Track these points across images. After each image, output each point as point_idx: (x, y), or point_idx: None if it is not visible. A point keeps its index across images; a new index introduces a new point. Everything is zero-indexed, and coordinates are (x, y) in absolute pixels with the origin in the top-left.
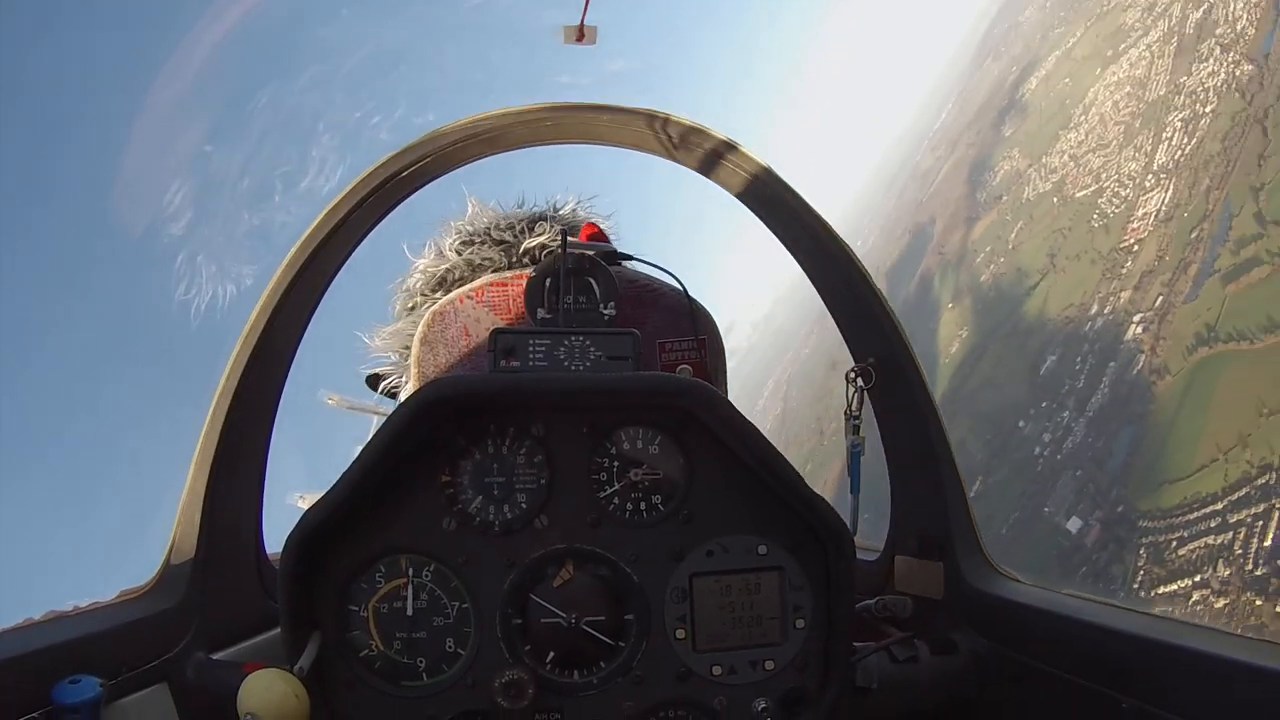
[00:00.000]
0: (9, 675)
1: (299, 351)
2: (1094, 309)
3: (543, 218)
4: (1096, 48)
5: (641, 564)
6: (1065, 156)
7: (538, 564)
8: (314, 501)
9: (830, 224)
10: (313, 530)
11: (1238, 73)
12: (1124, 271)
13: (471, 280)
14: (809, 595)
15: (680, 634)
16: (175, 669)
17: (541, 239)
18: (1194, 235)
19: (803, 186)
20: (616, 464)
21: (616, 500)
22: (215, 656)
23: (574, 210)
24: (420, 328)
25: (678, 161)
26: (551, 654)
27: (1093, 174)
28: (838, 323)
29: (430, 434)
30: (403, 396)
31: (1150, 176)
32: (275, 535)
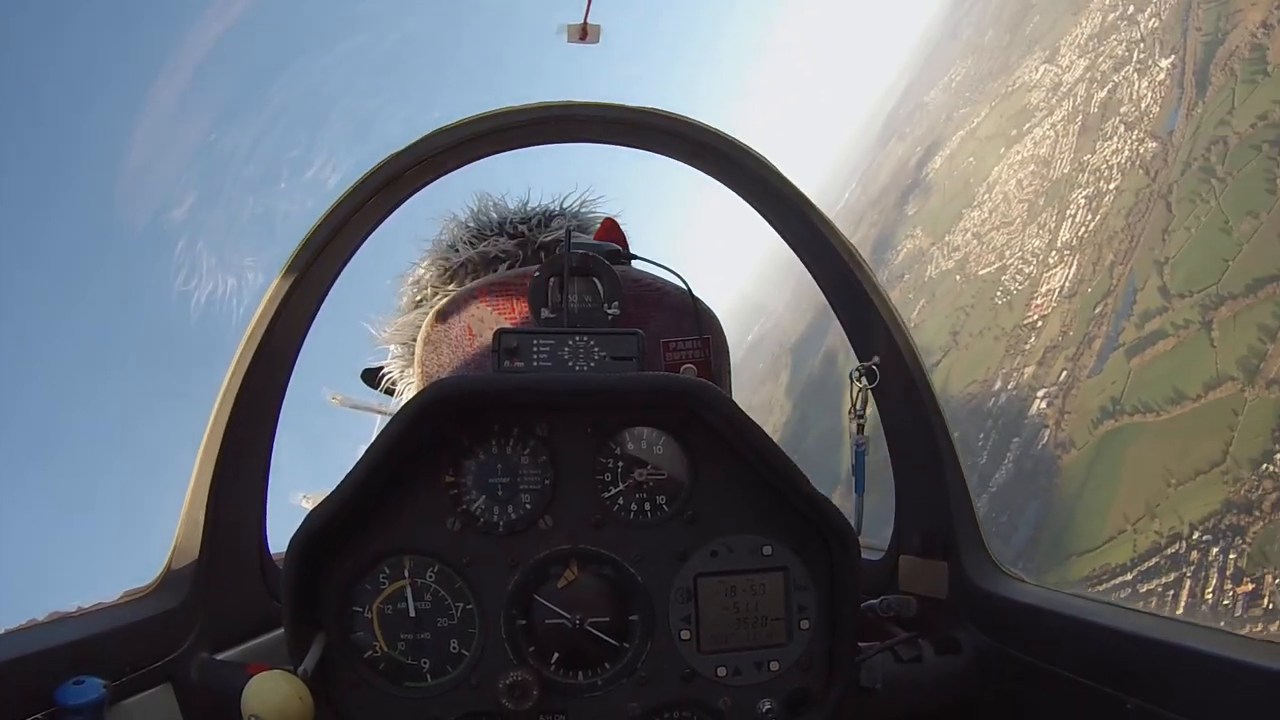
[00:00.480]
0: (12, 676)
1: (302, 350)
2: (997, 385)
3: (559, 213)
4: (1001, 127)
5: (646, 564)
6: (968, 235)
7: (542, 565)
8: (318, 501)
9: (835, 224)
10: (317, 531)
11: (1142, 150)
12: (1027, 348)
13: (485, 273)
14: (814, 596)
15: (685, 635)
16: (179, 670)
17: (558, 234)
18: (1098, 310)
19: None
20: (621, 464)
21: (621, 501)
22: (219, 657)
23: (580, 207)
24: (424, 328)
25: (681, 160)
26: (556, 655)
27: (996, 252)
28: (841, 322)
29: (434, 434)
30: (407, 396)
31: (1054, 253)
32: (278, 535)
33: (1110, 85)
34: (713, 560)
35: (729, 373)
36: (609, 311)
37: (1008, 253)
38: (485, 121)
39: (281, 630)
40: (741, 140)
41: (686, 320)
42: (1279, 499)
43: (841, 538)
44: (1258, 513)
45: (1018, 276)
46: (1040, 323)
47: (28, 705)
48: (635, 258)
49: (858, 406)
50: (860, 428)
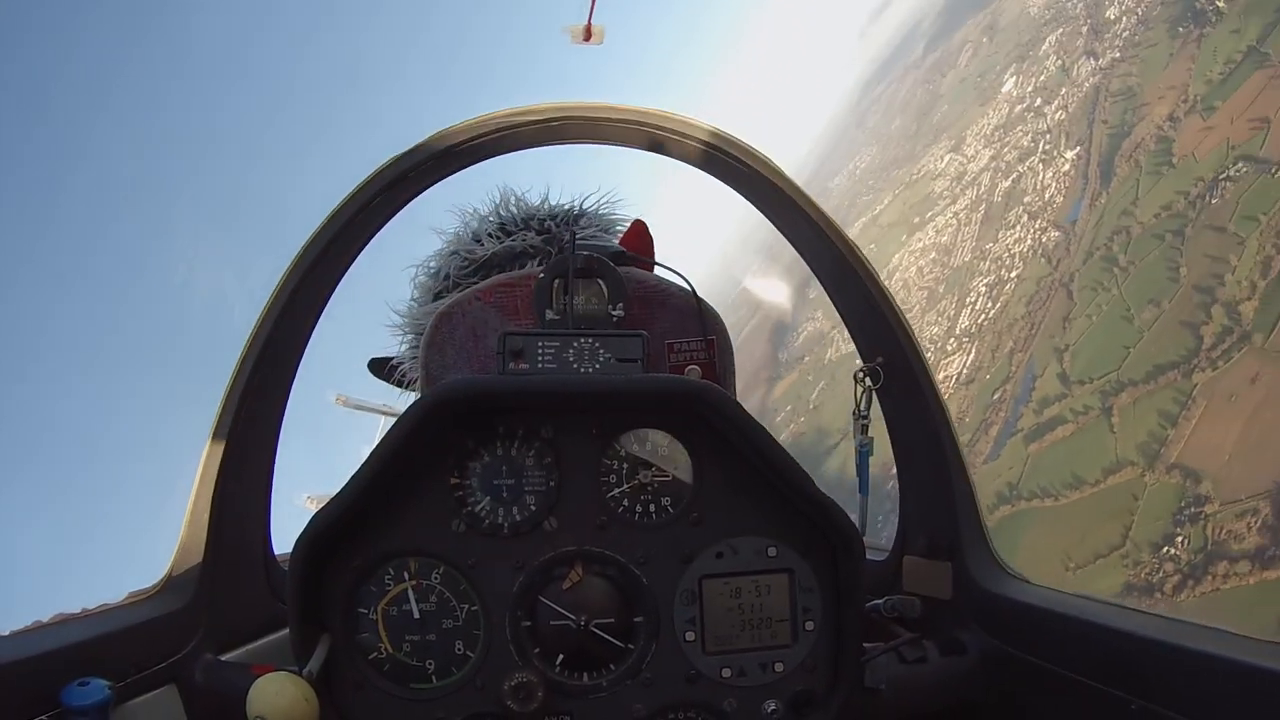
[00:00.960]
0: (18, 677)
1: (307, 350)
2: (894, 469)
3: (583, 213)
4: (903, 215)
5: (651, 566)
6: None
7: (547, 566)
8: (323, 503)
9: (839, 226)
10: (322, 532)
11: (1044, 239)
12: None
13: (511, 268)
14: (818, 597)
15: (689, 636)
16: (184, 671)
17: (586, 231)
18: (996, 396)
19: None
20: (625, 466)
21: (625, 502)
22: (224, 658)
23: (599, 208)
24: (427, 330)
25: (685, 162)
26: (561, 656)
27: None
28: (846, 322)
29: (439, 436)
30: (415, 395)
31: (952, 340)
32: (284, 536)
33: (1015, 175)
34: (718, 562)
35: (733, 374)
36: (613, 313)
37: None
38: (489, 123)
39: (286, 631)
40: (747, 142)
41: (691, 321)
42: (1180, 581)
43: (846, 539)
44: (1159, 595)
45: None
46: None
47: (33, 706)
48: (638, 259)
49: (861, 407)
50: (864, 428)
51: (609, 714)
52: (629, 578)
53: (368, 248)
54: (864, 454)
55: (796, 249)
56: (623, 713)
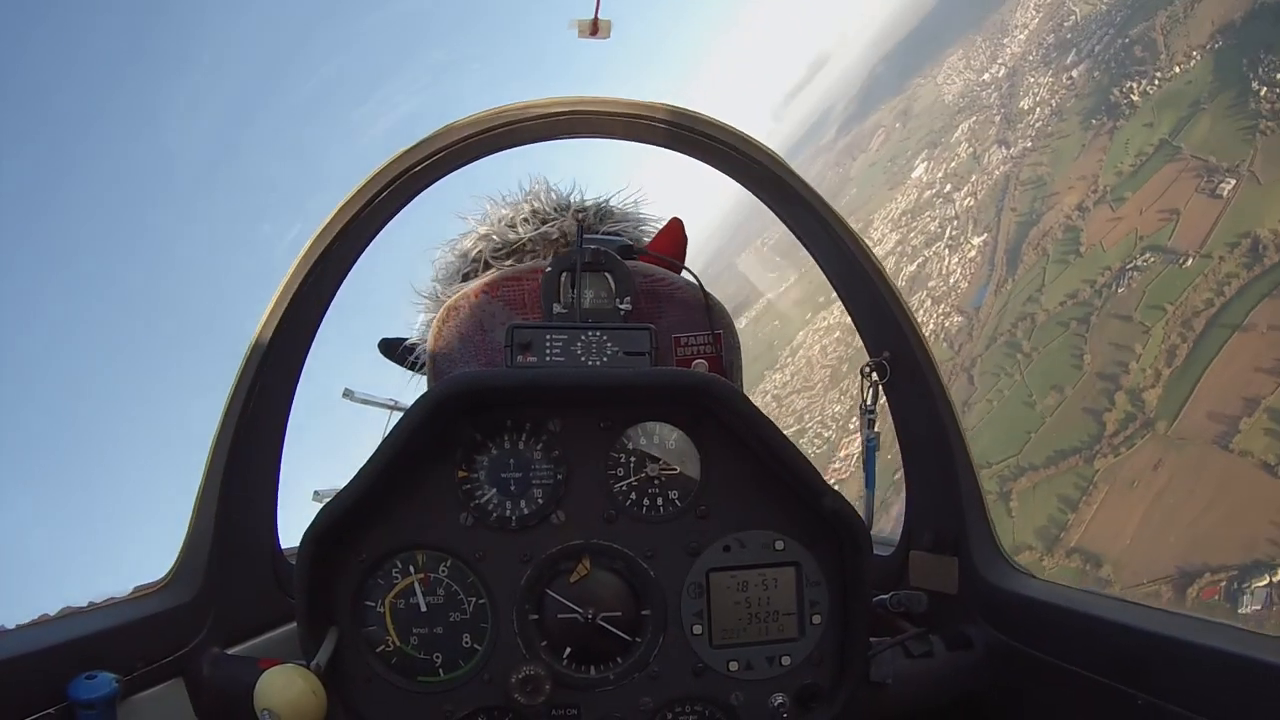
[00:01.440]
0: (25, 671)
1: (314, 344)
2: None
3: (610, 210)
4: (808, 293)
5: (658, 559)
6: (768, 396)
7: (554, 559)
8: (330, 496)
9: (846, 220)
10: (329, 525)
11: (947, 323)
12: None
13: (545, 254)
14: (825, 591)
15: (697, 629)
16: (191, 664)
17: (619, 226)
18: (896, 477)
19: None
20: (633, 459)
21: (633, 496)
22: (230, 652)
23: (628, 202)
24: (434, 323)
25: (690, 155)
26: (568, 650)
27: (795, 415)
28: (852, 317)
29: (447, 429)
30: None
31: (854, 419)
32: (290, 529)
33: (920, 260)
34: (725, 555)
35: (740, 368)
36: (621, 307)
37: (807, 416)
38: (496, 118)
39: (293, 625)
40: (753, 136)
41: (698, 315)
42: None
43: (853, 533)
44: None
45: (816, 440)
46: (837, 488)
47: (40, 700)
48: (650, 255)
49: (868, 402)
50: (871, 423)
51: (616, 707)
52: (636, 571)
53: (379, 248)
54: (871, 449)
55: (802, 241)
56: (630, 706)
